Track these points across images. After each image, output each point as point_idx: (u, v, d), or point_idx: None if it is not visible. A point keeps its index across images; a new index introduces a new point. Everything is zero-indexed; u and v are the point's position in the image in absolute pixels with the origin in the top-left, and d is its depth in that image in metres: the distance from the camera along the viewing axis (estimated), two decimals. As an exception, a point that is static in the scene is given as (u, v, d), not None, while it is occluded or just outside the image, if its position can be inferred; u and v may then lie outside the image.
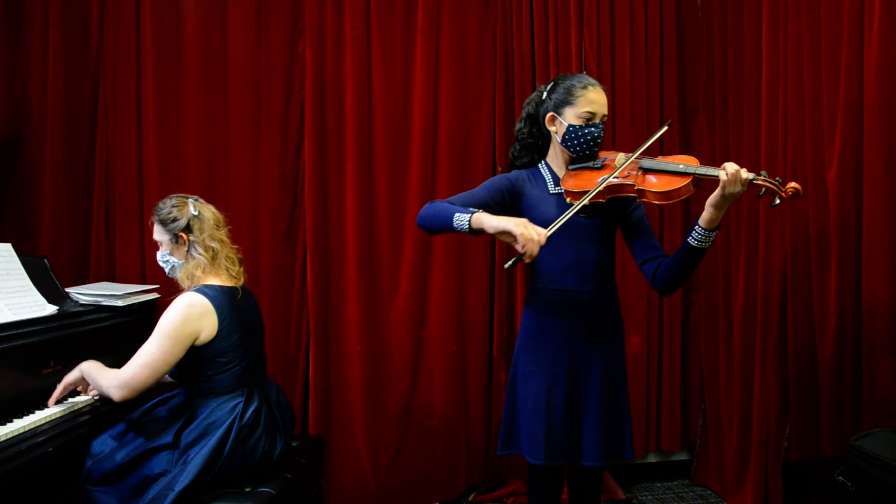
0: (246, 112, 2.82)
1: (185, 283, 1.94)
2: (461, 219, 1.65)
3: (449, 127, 2.91)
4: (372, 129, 2.87)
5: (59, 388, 1.92)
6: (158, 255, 2.03)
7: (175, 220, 1.96)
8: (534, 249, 1.55)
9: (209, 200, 2.71)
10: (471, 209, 1.67)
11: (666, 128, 1.83)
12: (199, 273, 1.93)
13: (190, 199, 2.01)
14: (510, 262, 1.59)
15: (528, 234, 1.55)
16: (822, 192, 2.38)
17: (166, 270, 2.03)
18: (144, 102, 2.75)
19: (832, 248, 2.33)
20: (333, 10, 2.83)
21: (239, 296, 1.97)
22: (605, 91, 1.83)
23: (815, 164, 2.41)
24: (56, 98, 2.71)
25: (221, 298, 1.90)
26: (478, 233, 1.65)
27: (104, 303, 2.26)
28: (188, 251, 1.96)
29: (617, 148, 2.77)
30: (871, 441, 1.89)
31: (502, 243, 2.91)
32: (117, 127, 2.75)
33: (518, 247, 1.56)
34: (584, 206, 1.71)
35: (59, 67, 2.71)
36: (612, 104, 2.99)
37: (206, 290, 1.89)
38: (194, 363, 1.88)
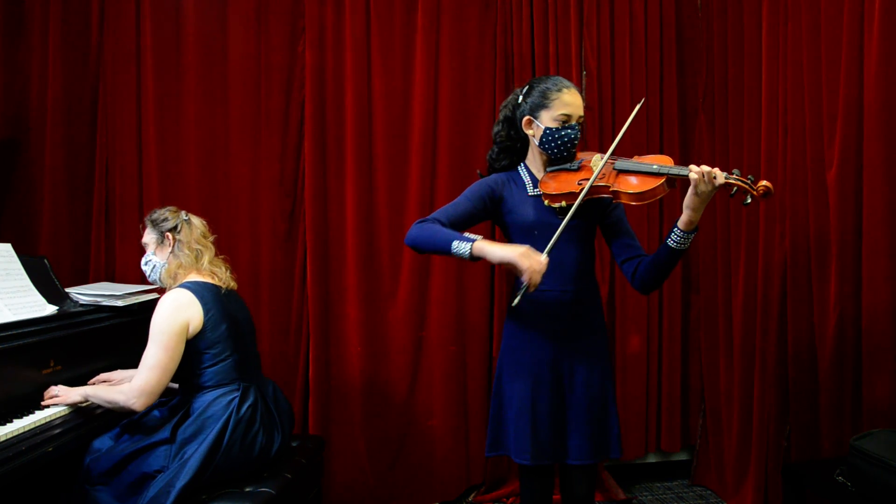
0: (246, 112, 2.82)
1: (167, 283, 2.01)
2: (461, 246, 1.68)
3: (449, 127, 2.90)
4: (372, 129, 2.87)
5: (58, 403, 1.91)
6: (142, 260, 2.10)
7: (165, 219, 2.07)
8: (538, 279, 1.61)
9: (209, 201, 2.76)
10: (471, 236, 1.69)
11: (639, 106, 1.81)
12: (181, 272, 2.00)
13: (183, 211, 2.13)
14: (517, 299, 1.66)
15: (532, 265, 1.60)
16: (822, 192, 2.37)
17: (147, 273, 2.09)
18: (144, 102, 2.75)
19: (832, 248, 2.33)
20: (333, 10, 2.83)
21: (223, 293, 2.01)
22: (580, 92, 1.86)
23: (815, 164, 2.40)
24: (56, 98, 2.71)
25: (204, 291, 1.95)
26: (477, 260, 1.68)
27: (104, 303, 2.26)
28: (172, 251, 2.03)
29: (616, 150, 2.76)
30: (870, 441, 1.89)
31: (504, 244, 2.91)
32: (117, 127, 2.75)
33: (523, 278, 1.61)
34: (560, 207, 1.79)
35: (59, 67, 2.71)
36: (611, 104, 3.01)
37: (188, 284, 1.96)
38: (187, 357, 1.91)
